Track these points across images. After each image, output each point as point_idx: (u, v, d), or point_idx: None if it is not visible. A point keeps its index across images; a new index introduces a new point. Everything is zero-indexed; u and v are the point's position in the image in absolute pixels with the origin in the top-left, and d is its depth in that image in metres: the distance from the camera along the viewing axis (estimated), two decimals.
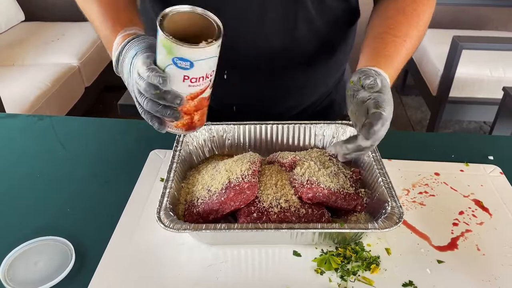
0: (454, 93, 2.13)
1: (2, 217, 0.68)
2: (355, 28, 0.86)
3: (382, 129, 0.58)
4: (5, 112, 1.62)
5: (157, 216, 0.59)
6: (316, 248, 0.62)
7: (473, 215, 0.68)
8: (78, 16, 3.01)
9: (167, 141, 0.81)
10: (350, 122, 0.77)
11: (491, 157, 0.81)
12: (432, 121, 2.25)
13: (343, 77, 0.95)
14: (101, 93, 2.65)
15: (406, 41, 0.70)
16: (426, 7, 0.73)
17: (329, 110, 0.94)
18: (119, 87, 2.92)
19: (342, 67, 0.92)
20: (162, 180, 0.74)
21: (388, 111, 0.58)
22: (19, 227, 0.65)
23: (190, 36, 0.52)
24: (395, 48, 0.68)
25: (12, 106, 1.80)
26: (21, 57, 2.27)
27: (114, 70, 0.65)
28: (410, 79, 2.71)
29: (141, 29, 0.66)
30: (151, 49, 0.57)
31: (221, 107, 0.84)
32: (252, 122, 0.78)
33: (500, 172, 0.77)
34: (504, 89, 1.80)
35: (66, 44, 2.38)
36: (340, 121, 0.78)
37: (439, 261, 0.60)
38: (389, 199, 0.61)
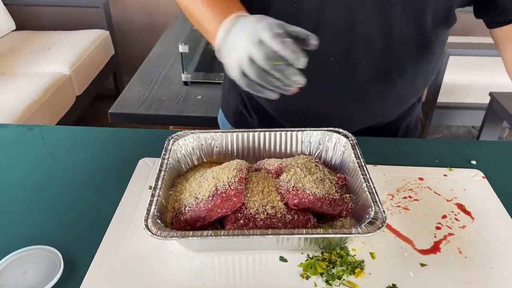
0: (442, 98, 2.16)
1: None
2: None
3: None
4: None
5: (145, 224, 0.59)
6: (302, 253, 0.63)
7: (456, 219, 0.70)
8: (68, 25, 3.01)
9: (156, 149, 0.82)
10: (336, 129, 0.79)
11: (474, 162, 0.83)
12: (421, 126, 2.28)
13: (414, 110, 0.95)
14: (92, 101, 2.65)
15: None
16: None
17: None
18: (110, 95, 2.93)
19: (421, 90, 0.92)
20: (150, 188, 0.75)
21: None
22: (7, 237, 0.66)
23: None
24: None
25: (3, 116, 1.80)
26: (11, 66, 2.27)
27: (216, 50, 0.65)
28: None
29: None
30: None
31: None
32: (239, 130, 0.80)
33: (483, 177, 0.79)
34: (490, 94, 1.83)
35: (57, 53, 2.39)
36: (326, 128, 0.79)
37: (422, 265, 0.62)
38: (372, 204, 0.62)
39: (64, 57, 2.35)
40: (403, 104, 0.90)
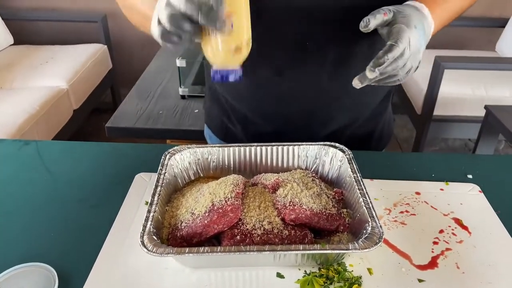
0: (438, 111, 2.17)
1: None
2: None
3: (392, 63, 0.61)
4: None
5: (141, 241, 0.59)
6: (300, 269, 0.63)
7: (453, 234, 0.70)
8: (66, 40, 3.03)
9: (153, 164, 0.82)
10: (333, 144, 0.79)
11: (470, 176, 0.83)
12: (418, 139, 2.29)
13: (386, 110, 0.96)
14: (89, 115, 2.65)
15: None
16: None
17: (365, 141, 0.96)
18: (107, 109, 2.93)
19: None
20: (147, 203, 0.75)
21: (402, 44, 0.61)
22: (2, 254, 0.65)
23: None
24: None
25: (0, 130, 1.80)
26: (9, 80, 2.28)
27: (155, 36, 0.61)
28: (395, 98, 2.77)
29: None
30: None
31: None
32: (236, 145, 0.80)
33: (479, 191, 0.79)
34: (486, 107, 1.85)
35: (55, 67, 2.40)
36: (322, 142, 0.79)
37: (420, 280, 0.61)
38: (369, 219, 0.62)
39: (62, 71, 2.36)
40: (376, 93, 0.90)
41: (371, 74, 0.62)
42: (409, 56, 0.63)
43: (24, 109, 1.97)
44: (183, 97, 1.73)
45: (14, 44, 2.75)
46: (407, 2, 0.69)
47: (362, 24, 0.64)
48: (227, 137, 0.99)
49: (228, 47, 0.57)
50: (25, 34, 2.91)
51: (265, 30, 0.70)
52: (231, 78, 0.59)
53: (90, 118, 2.71)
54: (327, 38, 0.78)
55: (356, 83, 0.64)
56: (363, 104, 0.90)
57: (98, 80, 2.63)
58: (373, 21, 0.63)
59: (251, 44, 0.59)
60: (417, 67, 0.66)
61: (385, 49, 0.61)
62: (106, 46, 2.75)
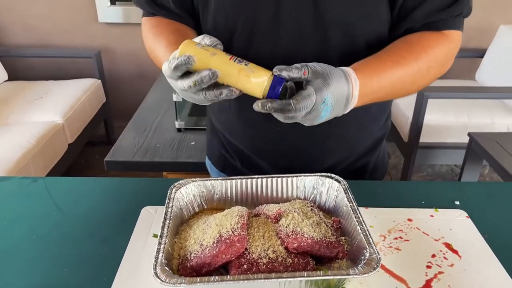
0: (424, 138, 2.26)
1: (1, 278, 0.70)
2: None
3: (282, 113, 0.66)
4: None
5: (154, 272, 0.62)
6: None
7: (444, 257, 0.74)
8: (61, 75, 3.09)
9: (157, 197, 0.86)
10: (329, 174, 0.84)
11: (457, 202, 0.89)
12: (406, 166, 2.36)
13: (379, 146, 1.01)
14: (83, 148, 2.68)
15: (400, 62, 0.73)
16: (436, 43, 0.77)
17: (359, 175, 1.00)
18: (101, 141, 2.96)
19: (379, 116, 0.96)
20: (154, 236, 0.79)
21: (297, 112, 0.65)
22: (21, 286, 0.68)
23: None
24: (379, 60, 0.73)
25: None
26: (4, 116, 2.31)
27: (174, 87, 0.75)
28: None
29: None
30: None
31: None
32: (238, 177, 0.84)
33: (466, 216, 0.85)
34: (469, 134, 1.93)
35: (50, 102, 2.44)
36: (319, 174, 0.84)
37: None
38: (367, 246, 0.67)
39: (57, 106, 2.40)
40: (363, 130, 0.94)
41: (256, 107, 0.68)
42: (301, 118, 0.68)
43: (20, 144, 1.99)
44: (179, 130, 1.78)
45: (9, 80, 2.79)
46: (341, 68, 0.70)
47: (276, 68, 0.66)
48: (225, 169, 1.04)
49: (252, 83, 0.68)
50: (19, 70, 2.96)
51: None
52: (278, 88, 0.67)
53: (83, 150, 2.73)
54: None
55: (254, 107, 0.69)
56: (353, 146, 0.96)
57: (92, 114, 2.67)
58: (288, 73, 0.66)
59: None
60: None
61: (283, 102, 0.65)
62: (100, 80, 2.81)
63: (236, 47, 0.82)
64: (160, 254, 0.66)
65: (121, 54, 2.98)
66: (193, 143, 1.69)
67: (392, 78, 0.75)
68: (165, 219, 0.73)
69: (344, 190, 0.80)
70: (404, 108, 2.39)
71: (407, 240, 0.78)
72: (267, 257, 0.67)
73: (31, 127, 2.15)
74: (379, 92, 0.75)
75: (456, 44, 0.82)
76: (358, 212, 0.74)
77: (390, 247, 0.77)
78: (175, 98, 1.72)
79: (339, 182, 0.82)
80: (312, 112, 0.67)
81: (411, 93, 0.82)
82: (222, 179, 0.84)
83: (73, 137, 2.42)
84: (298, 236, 0.69)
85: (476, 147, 1.86)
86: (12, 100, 2.47)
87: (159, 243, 0.68)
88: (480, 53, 2.80)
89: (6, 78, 2.77)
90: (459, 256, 0.75)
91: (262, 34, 0.81)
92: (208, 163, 1.11)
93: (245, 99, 0.72)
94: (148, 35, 0.89)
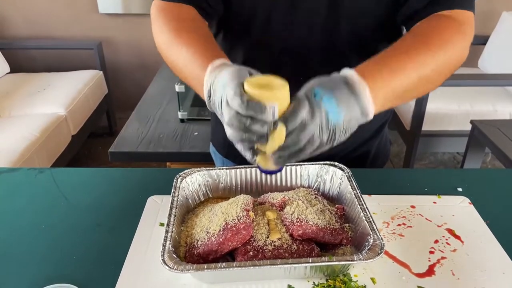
0: (426, 127, 2.26)
1: (11, 267, 0.71)
2: None
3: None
4: None
5: (162, 259, 0.64)
6: (308, 281, 0.68)
7: (447, 243, 0.75)
8: (63, 67, 3.09)
9: (162, 187, 0.87)
10: (332, 163, 0.85)
11: (460, 189, 0.90)
12: (408, 154, 2.37)
13: (380, 134, 1.01)
14: (85, 139, 2.69)
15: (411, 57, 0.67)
16: (450, 32, 0.74)
17: (360, 162, 1.01)
18: (103, 133, 2.98)
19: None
20: (161, 224, 0.80)
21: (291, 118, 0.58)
22: (29, 276, 0.69)
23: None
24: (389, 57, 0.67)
25: (1, 158, 1.83)
26: (8, 108, 2.32)
27: (207, 106, 0.66)
28: None
29: (227, 59, 0.67)
30: (239, 76, 0.58)
31: None
32: (242, 166, 0.85)
33: (469, 202, 0.86)
34: (471, 122, 1.93)
35: (53, 94, 2.44)
36: (322, 162, 0.85)
37: (420, 287, 0.67)
38: (371, 232, 0.68)
39: (60, 98, 2.40)
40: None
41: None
42: (322, 136, 0.62)
43: (23, 137, 2.01)
44: (182, 120, 1.79)
45: (11, 72, 2.79)
46: (343, 74, 0.63)
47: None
48: (229, 155, 1.05)
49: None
50: (21, 62, 2.97)
51: (263, 67, 0.70)
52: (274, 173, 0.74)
53: (86, 142, 2.75)
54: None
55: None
56: (355, 132, 0.96)
57: (95, 105, 2.68)
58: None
59: None
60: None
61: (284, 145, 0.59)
62: (101, 72, 2.82)
63: (254, 32, 0.85)
64: (168, 242, 0.67)
65: (122, 45, 2.97)
66: (196, 133, 1.70)
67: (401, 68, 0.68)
68: (171, 207, 0.74)
69: (347, 178, 0.81)
70: None
71: (410, 227, 0.79)
72: (272, 244, 0.68)
73: (34, 119, 2.16)
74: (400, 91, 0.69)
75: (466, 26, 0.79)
76: (361, 199, 0.75)
77: (394, 233, 0.78)
78: (177, 88, 1.73)
79: (342, 170, 0.83)
80: (316, 115, 0.59)
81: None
82: (226, 168, 0.85)
83: (76, 129, 2.43)
84: (302, 223, 0.70)
85: (479, 135, 1.86)
86: (14, 93, 2.48)
87: (166, 231, 0.69)
88: (482, 40, 2.78)
89: (8, 70, 2.78)
90: (462, 242, 0.76)
91: (278, 22, 0.84)
92: (212, 149, 1.13)
93: None
94: (162, 28, 0.80)
